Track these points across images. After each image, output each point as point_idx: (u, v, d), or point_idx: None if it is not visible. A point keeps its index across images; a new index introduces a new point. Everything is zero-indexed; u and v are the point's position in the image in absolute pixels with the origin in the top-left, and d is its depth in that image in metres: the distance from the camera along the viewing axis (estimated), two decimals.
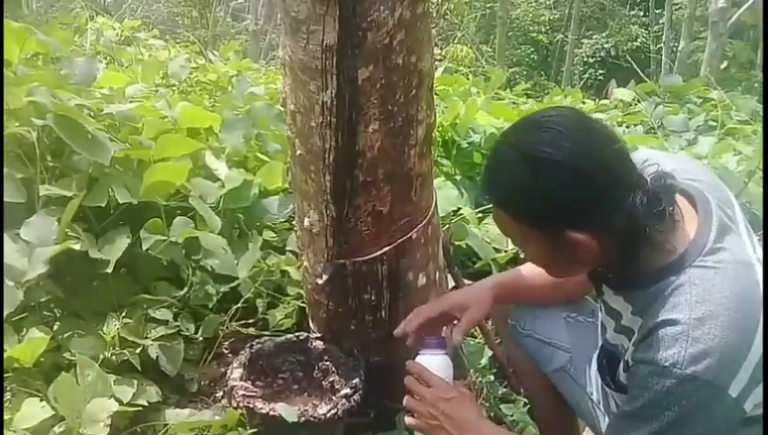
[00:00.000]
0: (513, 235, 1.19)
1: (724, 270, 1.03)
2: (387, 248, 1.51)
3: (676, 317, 1.01)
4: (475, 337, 2.08)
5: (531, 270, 1.41)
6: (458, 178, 2.87)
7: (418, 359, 1.34)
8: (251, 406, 1.47)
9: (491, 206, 1.19)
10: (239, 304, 1.85)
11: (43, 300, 1.69)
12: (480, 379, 1.85)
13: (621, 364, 1.20)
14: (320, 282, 1.56)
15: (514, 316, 1.53)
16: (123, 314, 1.69)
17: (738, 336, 0.99)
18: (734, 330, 0.99)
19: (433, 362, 1.32)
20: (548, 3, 16.07)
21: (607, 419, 1.38)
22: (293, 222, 1.81)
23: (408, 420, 1.29)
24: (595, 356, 1.39)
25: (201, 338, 1.82)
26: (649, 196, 1.04)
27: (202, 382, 1.81)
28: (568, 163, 1.02)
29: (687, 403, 0.98)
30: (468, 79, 5.38)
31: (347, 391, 1.52)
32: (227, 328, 1.86)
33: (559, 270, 1.22)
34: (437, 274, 1.68)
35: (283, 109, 1.74)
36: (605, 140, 1.06)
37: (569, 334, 1.47)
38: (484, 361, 1.97)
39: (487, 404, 1.83)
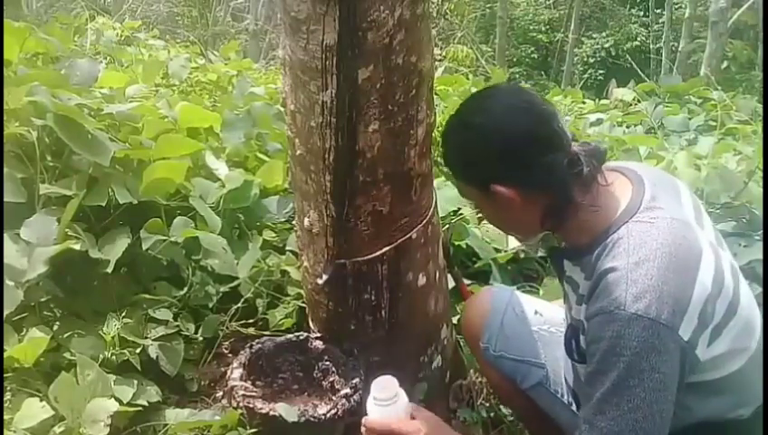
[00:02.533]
0: (466, 196, 1.30)
1: (660, 223, 1.09)
2: (387, 248, 1.51)
3: (615, 265, 1.06)
4: None
5: None
6: None
7: (373, 410, 1.28)
8: (251, 406, 1.46)
9: None
10: (239, 304, 1.85)
11: (43, 300, 1.69)
12: (480, 379, 1.85)
13: (582, 331, 1.20)
14: (320, 282, 1.56)
15: (485, 339, 1.53)
16: (123, 314, 1.69)
17: (676, 277, 1.03)
18: (671, 271, 1.03)
19: (390, 411, 1.27)
20: (548, 3, 16.07)
21: None
22: (293, 222, 1.81)
23: None
24: (563, 338, 1.33)
25: (201, 338, 1.82)
26: (570, 157, 1.12)
27: (202, 382, 1.80)
28: (487, 124, 1.14)
29: (638, 344, 1.00)
30: (468, 79, 5.38)
31: (347, 391, 1.52)
32: (227, 328, 1.85)
33: (505, 226, 1.34)
34: (437, 274, 1.68)
35: (283, 109, 1.74)
36: (529, 105, 1.15)
37: (541, 348, 1.47)
38: None
39: (487, 404, 1.83)
